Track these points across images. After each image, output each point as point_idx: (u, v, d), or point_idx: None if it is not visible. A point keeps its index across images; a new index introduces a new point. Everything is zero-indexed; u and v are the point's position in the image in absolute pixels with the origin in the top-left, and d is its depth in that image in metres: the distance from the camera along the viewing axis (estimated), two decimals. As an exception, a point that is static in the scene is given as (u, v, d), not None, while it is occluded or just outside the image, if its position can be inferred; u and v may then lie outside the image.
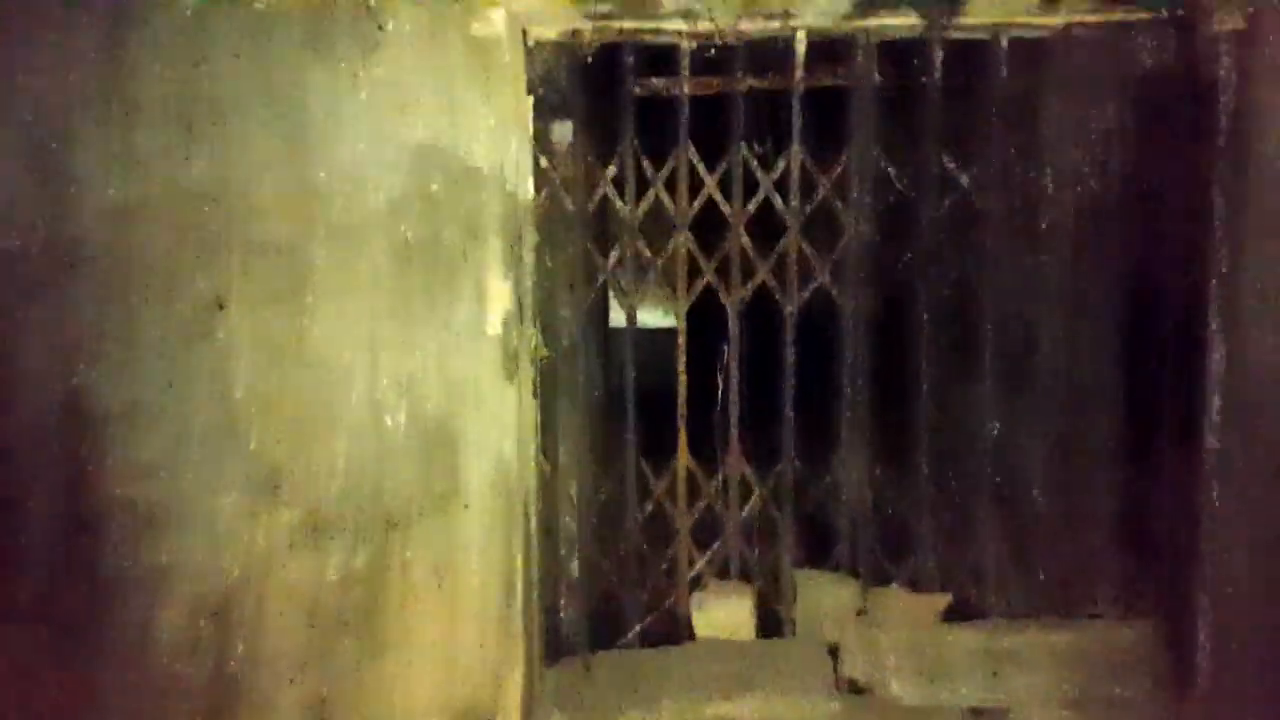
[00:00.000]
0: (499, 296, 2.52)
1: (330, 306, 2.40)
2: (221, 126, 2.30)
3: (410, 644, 2.45)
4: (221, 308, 2.32)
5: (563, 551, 2.79)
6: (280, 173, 2.34)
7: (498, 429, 2.56)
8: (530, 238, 2.63)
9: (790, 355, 2.76)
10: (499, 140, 2.49)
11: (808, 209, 2.74)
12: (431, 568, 2.49)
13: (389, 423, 2.47)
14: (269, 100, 2.33)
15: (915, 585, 2.78)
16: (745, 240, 2.73)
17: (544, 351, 2.78)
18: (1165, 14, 2.53)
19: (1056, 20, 2.56)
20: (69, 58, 2.23)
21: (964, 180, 2.70)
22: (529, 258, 2.63)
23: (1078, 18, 2.55)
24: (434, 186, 2.43)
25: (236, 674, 2.35)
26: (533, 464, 2.68)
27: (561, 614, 2.77)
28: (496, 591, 2.58)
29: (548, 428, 2.78)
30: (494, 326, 2.52)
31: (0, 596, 2.24)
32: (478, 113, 2.44)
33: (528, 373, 2.64)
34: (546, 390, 2.76)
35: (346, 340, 2.41)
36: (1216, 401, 2.51)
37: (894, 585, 2.78)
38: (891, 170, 2.70)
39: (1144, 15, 2.53)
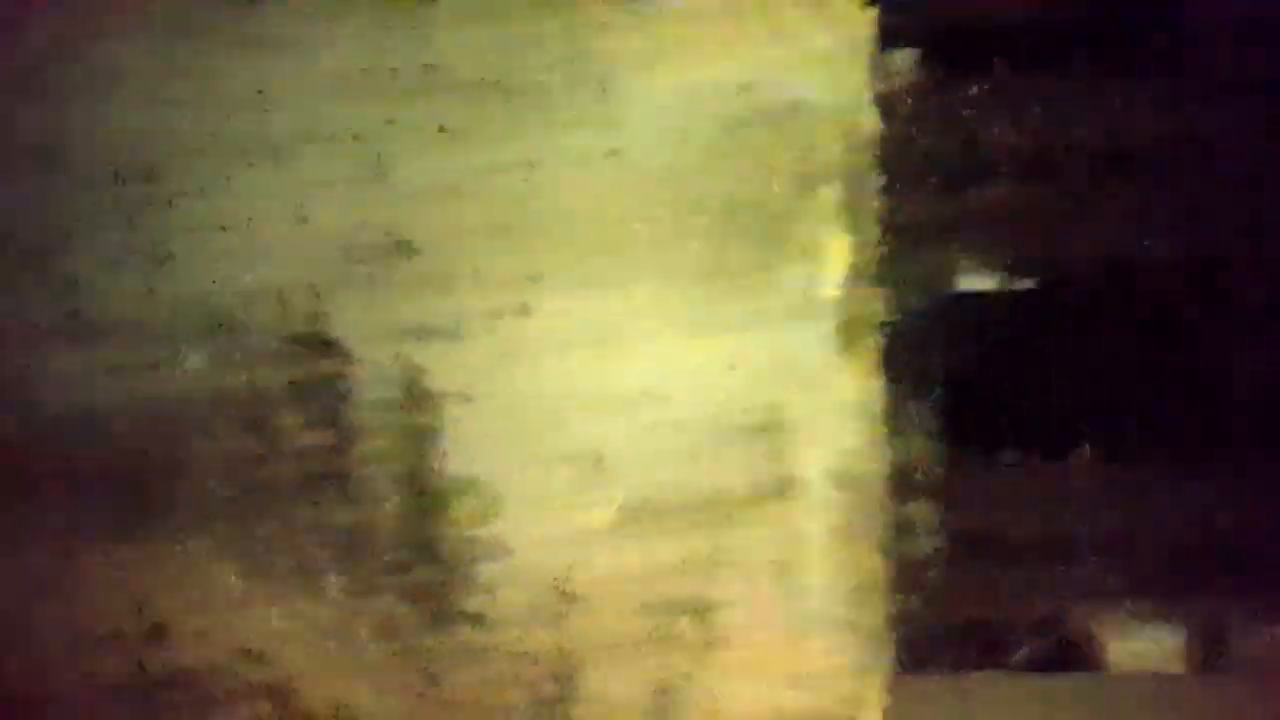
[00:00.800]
0: (835, 255, 2.17)
1: (641, 277, 2.20)
2: (535, 96, 2.17)
3: (749, 642, 2.22)
4: (534, 283, 2.21)
5: (925, 552, 2.39)
6: (581, 136, 2.16)
7: (837, 409, 2.22)
8: (872, 182, 2.23)
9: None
10: (834, 68, 2.11)
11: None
12: (769, 562, 2.24)
13: (712, 404, 2.24)
14: (568, 60, 2.16)
15: None
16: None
17: (887, 319, 2.38)
18: None
19: None
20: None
21: None
22: (871, 206, 2.23)
23: None
24: (755, 129, 2.12)
25: (574, 649, 2.28)
26: (883, 449, 2.30)
27: (924, 624, 2.39)
28: (845, 591, 2.27)
29: (896, 408, 2.39)
30: (829, 290, 2.17)
31: (356, 576, 2.33)
32: (808, 36, 2.08)
33: (871, 344, 2.26)
34: (893, 365, 2.37)
35: (660, 318, 2.21)
36: None
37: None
38: None
39: None
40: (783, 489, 2.24)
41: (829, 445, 2.18)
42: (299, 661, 2.16)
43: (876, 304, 2.25)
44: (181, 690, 2.19)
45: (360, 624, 2.24)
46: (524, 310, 2.11)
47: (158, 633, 2.18)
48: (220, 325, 2.06)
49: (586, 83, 2.11)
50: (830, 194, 2.12)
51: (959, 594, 2.39)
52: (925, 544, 2.37)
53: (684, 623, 2.21)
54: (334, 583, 2.19)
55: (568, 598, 2.21)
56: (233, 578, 2.19)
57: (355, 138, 2.12)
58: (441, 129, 2.12)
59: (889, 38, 2.24)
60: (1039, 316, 2.28)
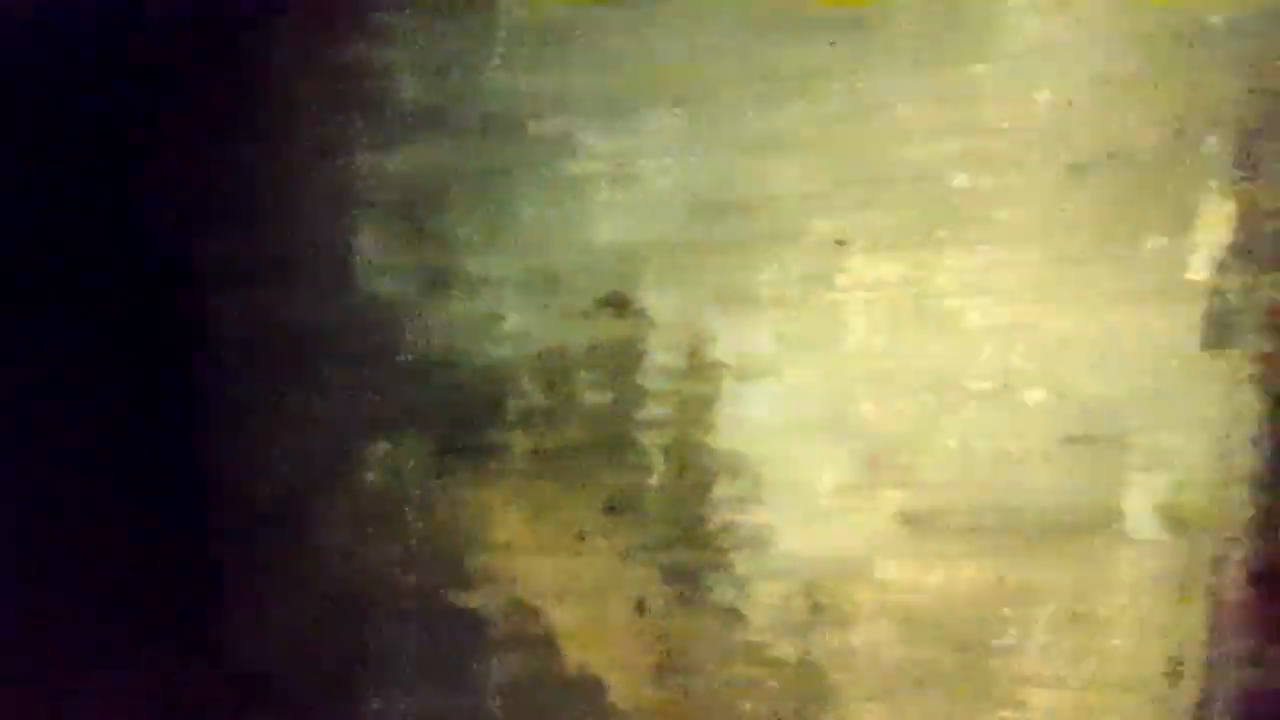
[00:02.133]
0: (1213, 224, 1.67)
1: (964, 249, 1.87)
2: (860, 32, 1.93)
3: (1025, 701, 1.81)
4: (841, 245, 1.97)
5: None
6: (919, 76, 1.87)
7: (1189, 425, 1.72)
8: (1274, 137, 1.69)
9: None
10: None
11: None
12: (1064, 608, 1.81)
13: (1027, 404, 1.85)
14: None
15: None
16: None
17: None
18: None
19: None
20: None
21: None
22: (1276, 165, 1.69)
23: None
24: (1125, 64, 1.69)
25: (819, 668, 2.03)
26: (1242, 489, 1.75)
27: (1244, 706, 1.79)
28: (1157, 657, 1.77)
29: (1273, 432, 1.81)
30: (1198, 271, 1.68)
31: (617, 544, 2.27)
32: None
33: (1252, 345, 1.72)
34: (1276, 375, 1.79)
35: (981, 291, 1.87)
36: None
37: None
38: None
39: None
40: (1101, 521, 1.78)
41: (1171, 468, 1.69)
42: (564, 620, 2.16)
43: (1264, 292, 1.70)
44: (466, 632, 2.30)
45: (616, 595, 2.18)
46: (831, 277, 1.89)
47: (451, 569, 2.31)
48: (544, 284, 2.11)
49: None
50: (1216, 143, 1.63)
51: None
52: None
53: (949, 662, 1.86)
54: (600, 547, 2.15)
55: (819, 609, 1.96)
56: (518, 528, 2.25)
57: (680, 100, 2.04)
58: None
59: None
60: None
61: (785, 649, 1.96)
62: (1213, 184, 1.61)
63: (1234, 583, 1.75)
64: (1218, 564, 1.74)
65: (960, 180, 1.77)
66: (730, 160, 1.90)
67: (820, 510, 1.93)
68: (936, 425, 1.86)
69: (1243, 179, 1.62)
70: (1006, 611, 1.82)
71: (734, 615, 2.01)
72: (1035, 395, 1.79)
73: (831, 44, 1.83)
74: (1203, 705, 1.74)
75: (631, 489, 2.09)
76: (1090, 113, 1.68)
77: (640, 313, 2.06)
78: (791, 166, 1.87)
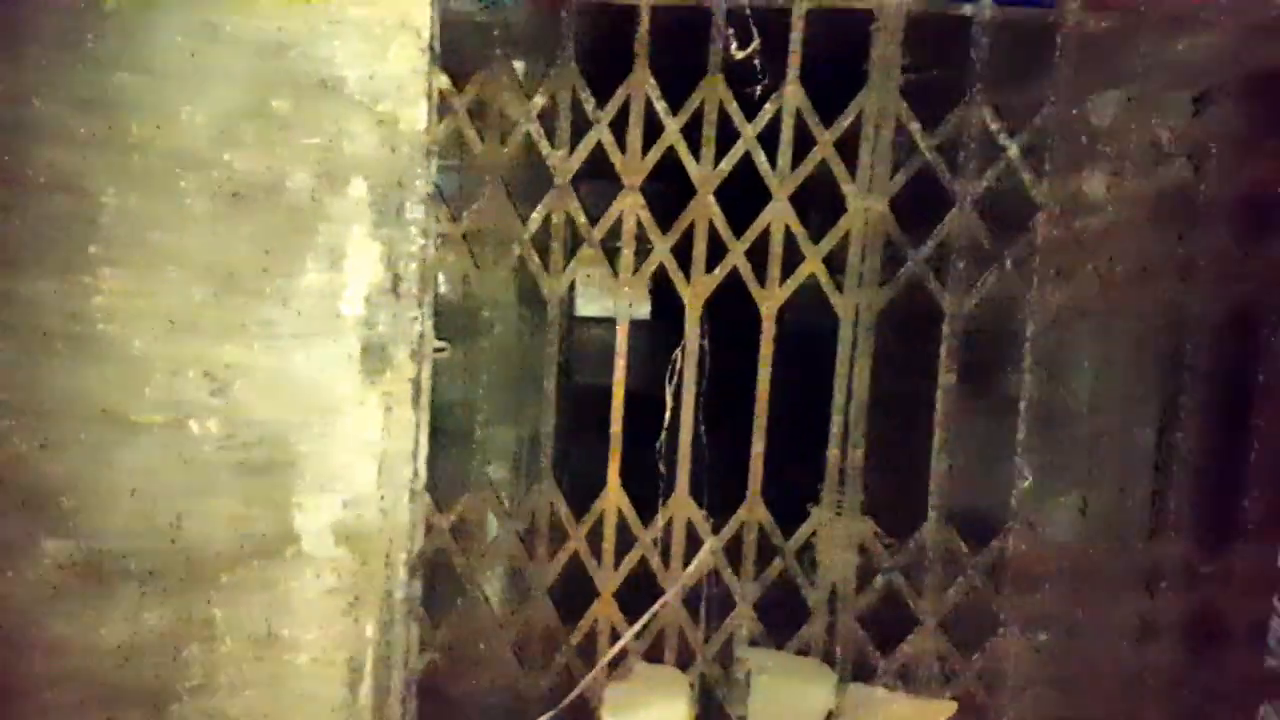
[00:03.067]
0: (363, 264, 1.81)
1: (121, 270, 1.69)
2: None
3: (203, 741, 1.76)
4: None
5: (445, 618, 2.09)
6: (63, 78, 1.62)
7: (353, 449, 1.86)
8: (421, 185, 1.91)
9: (765, 368, 2.05)
10: (374, 44, 1.77)
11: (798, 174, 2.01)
12: (249, 636, 1.81)
13: (197, 433, 1.77)
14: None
15: (909, 682, 2.09)
16: (715, 210, 2.01)
17: (436, 344, 2.06)
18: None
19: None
20: None
21: (1012, 150, 1.98)
22: (417, 212, 1.91)
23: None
24: (276, 103, 1.71)
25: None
26: (404, 499, 1.97)
27: (426, 701, 2.08)
28: (339, 671, 1.90)
29: (443, 447, 2.07)
30: (353, 305, 1.81)
31: None
32: (342, 3, 1.72)
33: (405, 372, 1.93)
34: (444, 396, 2.05)
35: (140, 317, 1.72)
36: None
37: (881, 682, 2.09)
38: (916, 129, 1.98)
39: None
40: (280, 545, 1.82)
41: (339, 490, 1.81)
42: None
43: (421, 323, 1.93)
44: None
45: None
46: None
47: None
48: None
49: None
50: (362, 191, 1.77)
51: (468, 667, 2.09)
52: (457, 611, 2.06)
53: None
54: None
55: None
56: None
57: None
58: None
59: (461, 26, 1.93)
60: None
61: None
62: (361, 225, 1.75)
63: (405, 585, 1.96)
64: (389, 568, 1.93)
65: (110, 196, 1.60)
66: None
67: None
68: (98, 461, 1.67)
69: (385, 221, 1.78)
70: (194, 651, 1.75)
71: None
72: (208, 426, 1.73)
73: None
74: (379, 703, 1.92)
75: None
76: (248, 145, 1.67)
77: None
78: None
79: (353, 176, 1.74)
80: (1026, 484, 2.02)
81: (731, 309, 2.12)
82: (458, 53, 1.93)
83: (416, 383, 1.97)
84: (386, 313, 1.84)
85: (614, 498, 2.05)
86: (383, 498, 1.91)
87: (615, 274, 2.00)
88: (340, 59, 1.70)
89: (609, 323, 2.07)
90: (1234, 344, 2.01)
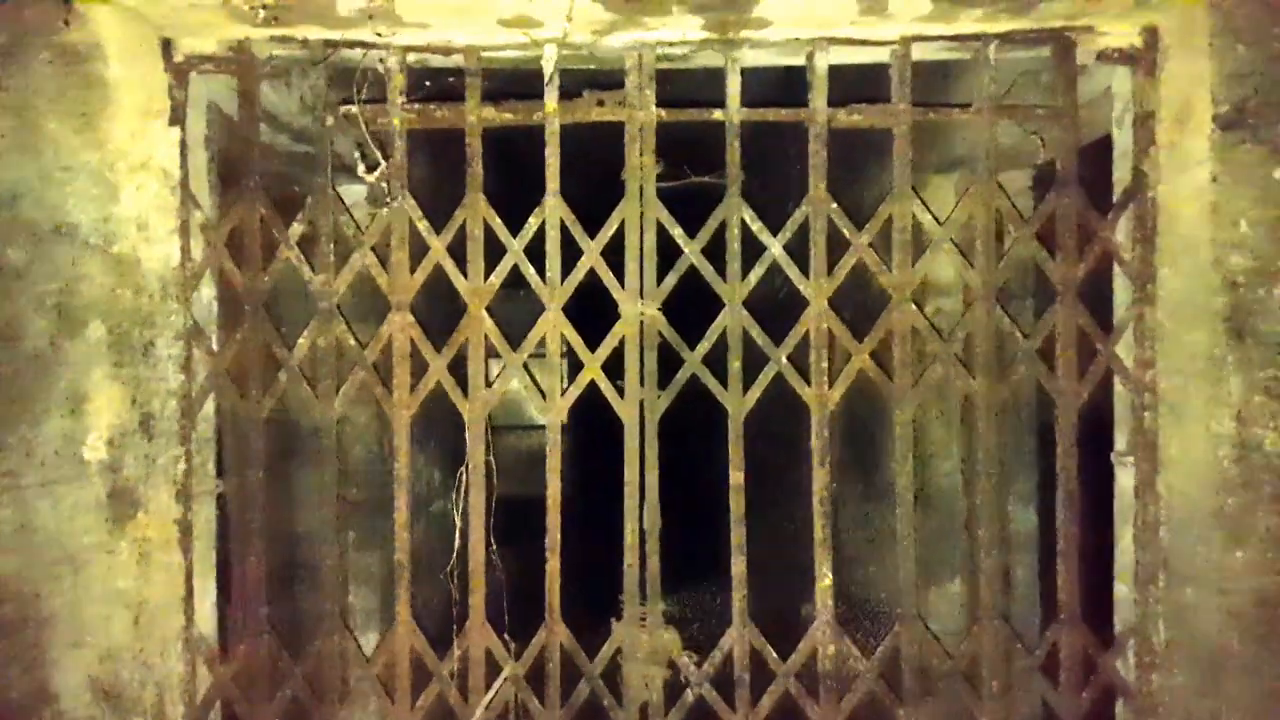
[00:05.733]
0: (105, 406, 1.77)
1: None
2: None
3: None
4: None
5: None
6: None
7: (106, 600, 1.77)
8: (177, 320, 1.89)
9: (554, 478, 2.01)
10: (106, 187, 1.77)
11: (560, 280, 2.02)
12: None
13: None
14: None
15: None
16: (489, 324, 2.01)
17: (213, 484, 2.00)
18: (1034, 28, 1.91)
19: (888, 32, 1.93)
20: None
21: (775, 249, 2.02)
22: (172, 349, 1.88)
23: (916, 29, 1.91)
24: (12, 252, 1.69)
25: None
26: (175, 649, 1.88)
27: None
28: None
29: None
30: (96, 450, 1.76)
31: None
32: (73, 150, 1.73)
33: (166, 514, 1.86)
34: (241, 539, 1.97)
35: None
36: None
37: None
38: (679, 234, 2.01)
39: (1010, 25, 1.90)
40: (36, 705, 1.71)
41: (92, 651, 1.72)
42: None
43: (180, 462, 1.87)
44: None
45: None
46: None
47: None
48: None
49: None
50: (100, 333, 1.75)
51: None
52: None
53: None
54: None
55: None
56: None
57: None
58: None
59: (231, 160, 1.95)
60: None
61: None
62: (99, 370, 1.71)
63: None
64: None
65: None
66: None
67: None
68: None
69: (127, 364, 1.75)
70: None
71: None
72: (-63, 588, 1.64)
73: None
74: None
75: None
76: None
77: None
78: None
79: (91, 319, 1.71)
80: (825, 583, 1.96)
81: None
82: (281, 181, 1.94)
83: (185, 524, 1.90)
84: (135, 454, 1.78)
85: (404, 632, 1.97)
86: (142, 650, 1.81)
87: (390, 395, 1.97)
88: (73, 204, 1.70)
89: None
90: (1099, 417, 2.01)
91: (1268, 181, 1.74)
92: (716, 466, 2.08)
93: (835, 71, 1.93)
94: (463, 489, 1.97)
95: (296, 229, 1.92)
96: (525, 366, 1.98)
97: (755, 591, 1.97)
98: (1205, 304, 1.78)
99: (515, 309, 2.52)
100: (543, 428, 1.97)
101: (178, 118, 1.84)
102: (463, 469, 1.97)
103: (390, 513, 1.97)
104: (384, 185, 1.80)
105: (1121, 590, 1.97)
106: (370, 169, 1.79)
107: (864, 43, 1.91)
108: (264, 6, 1.76)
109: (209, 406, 1.94)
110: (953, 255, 1.98)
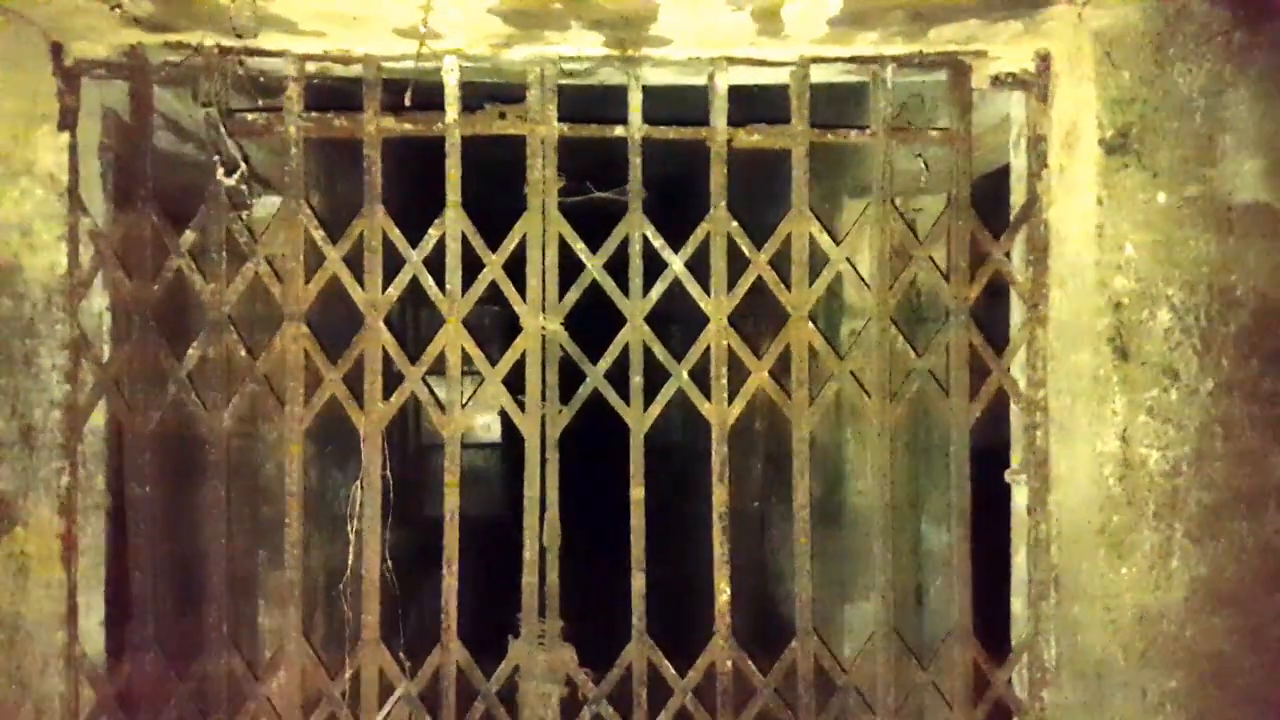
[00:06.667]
0: (-22, 417, 1.72)
1: None
2: None
3: None
4: None
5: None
6: None
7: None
8: (62, 329, 1.85)
9: (452, 495, 1.99)
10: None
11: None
12: None
13: None
14: None
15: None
16: (386, 336, 1.99)
17: (102, 498, 1.96)
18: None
19: (786, 53, 1.95)
20: None
21: (676, 265, 2.03)
22: (57, 358, 1.84)
23: (814, 51, 1.94)
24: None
25: None
26: (55, 668, 1.83)
27: None
28: None
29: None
30: (-35, 461, 1.71)
31: None
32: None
33: (48, 528, 1.82)
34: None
35: None
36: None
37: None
38: (581, 249, 2.02)
39: (909, 48, 1.93)
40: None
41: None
42: None
43: (64, 477, 1.83)
44: None
45: None
46: None
47: None
48: None
49: None
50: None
51: None
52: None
53: None
54: None
55: None
56: None
57: None
58: None
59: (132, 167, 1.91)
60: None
61: None
62: (-28, 378, 1.67)
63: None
64: None
65: None
66: None
67: None
68: None
69: (5, 374, 1.71)
70: None
71: None
72: None
73: None
74: None
75: None
76: None
77: None
78: None
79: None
80: (723, 599, 1.96)
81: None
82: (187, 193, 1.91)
83: (69, 539, 1.85)
84: (14, 467, 1.74)
85: (295, 650, 1.94)
86: (18, 668, 1.76)
87: (282, 405, 1.94)
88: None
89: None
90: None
91: (1150, 206, 1.77)
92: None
93: (751, 95, 1.95)
94: (358, 504, 1.95)
95: (189, 237, 1.89)
96: (425, 381, 1.96)
97: (668, 609, 1.96)
98: (1091, 325, 1.81)
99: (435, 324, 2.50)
100: (486, 445, 1.95)
101: (67, 123, 1.81)
102: (357, 484, 1.94)
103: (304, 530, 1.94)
104: (243, 189, 1.78)
105: (1016, 606, 2.00)
106: (229, 172, 1.76)
107: (763, 63, 1.93)
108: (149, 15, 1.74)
109: (98, 418, 1.90)
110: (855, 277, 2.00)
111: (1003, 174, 2.09)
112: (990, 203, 2.03)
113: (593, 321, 2.21)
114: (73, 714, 1.83)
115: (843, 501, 2.78)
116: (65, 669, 1.82)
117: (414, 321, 4.69)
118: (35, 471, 1.76)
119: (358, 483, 1.94)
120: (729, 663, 1.94)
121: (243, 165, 1.77)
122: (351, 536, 1.95)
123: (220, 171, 1.76)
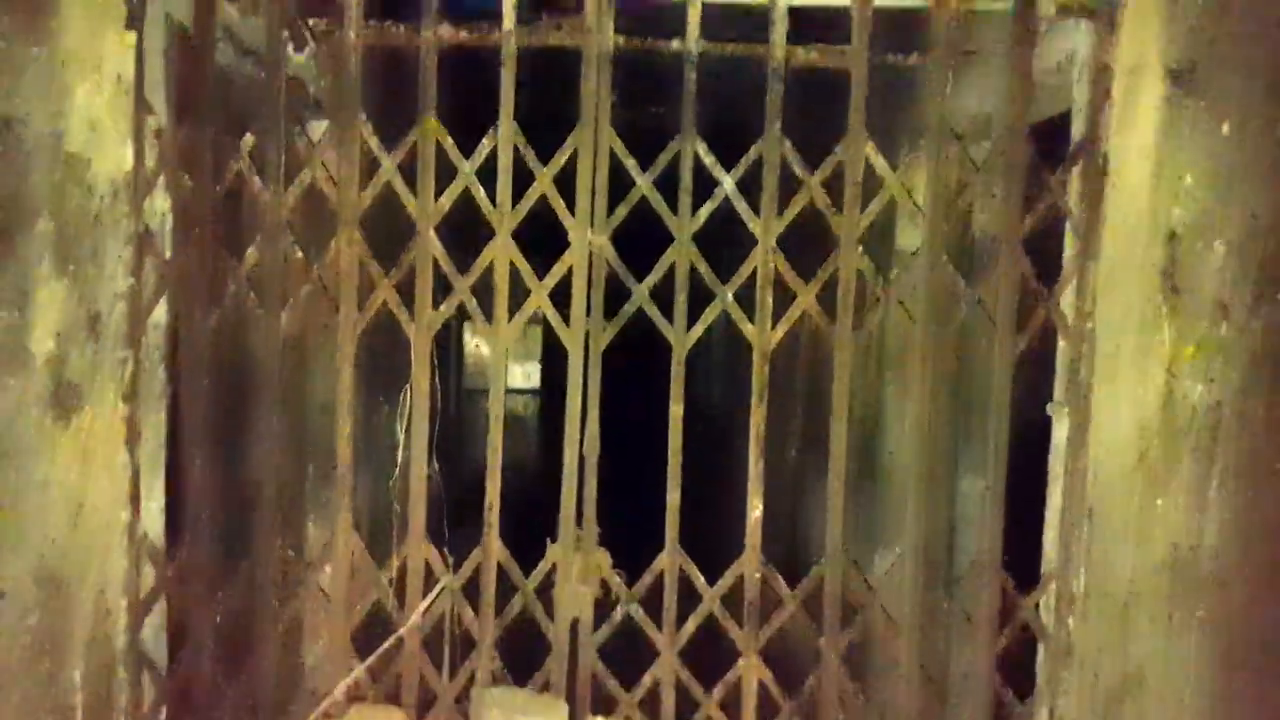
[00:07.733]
0: (51, 301, 1.80)
1: None
2: None
3: None
4: None
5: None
6: None
7: (48, 494, 1.82)
8: (127, 224, 1.92)
9: (497, 404, 2.05)
10: (59, 86, 1.79)
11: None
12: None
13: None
14: None
15: (653, 716, 2.04)
16: (437, 247, 2.03)
17: (162, 389, 2.04)
18: None
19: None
20: None
21: (727, 184, 2.03)
22: (123, 251, 1.91)
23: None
24: (-40, 139, 1.71)
25: None
26: (120, 544, 1.93)
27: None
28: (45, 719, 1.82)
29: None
30: (42, 343, 1.80)
31: None
32: (24, 45, 1.75)
33: (112, 413, 1.91)
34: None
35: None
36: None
37: (623, 715, 2.05)
38: (632, 165, 2.02)
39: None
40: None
41: (35, 544, 1.77)
42: None
43: (129, 365, 1.91)
44: None
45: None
46: None
47: None
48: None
49: None
50: (47, 229, 1.78)
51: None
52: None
53: None
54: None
55: None
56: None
57: None
58: None
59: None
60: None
61: None
62: (48, 264, 1.75)
63: (127, 633, 1.89)
64: (100, 616, 1.86)
65: None
66: None
67: None
68: None
69: (74, 261, 1.78)
70: None
71: None
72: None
73: None
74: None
75: None
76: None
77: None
78: None
79: (40, 215, 1.74)
80: (755, 514, 2.01)
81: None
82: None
83: (132, 425, 1.94)
84: (82, 352, 1.82)
85: (342, 538, 2.02)
86: (85, 544, 1.86)
87: (337, 308, 2.00)
88: (22, 99, 1.72)
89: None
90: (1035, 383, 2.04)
91: (1213, 137, 1.74)
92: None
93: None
94: (407, 410, 2.01)
95: (249, 140, 1.94)
96: (473, 292, 2.01)
97: (701, 532, 2.01)
98: (1144, 257, 1.79)
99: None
100: (522, 391, 2.00)
101: (134, 23, 1.85)
102: (405, 389, 2.00)
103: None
104: (300, 100, 1.81)
105: (1048, 539, 2.02)
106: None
107: (825, -19, 1.90)
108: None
109: (160, 313, 1.97)
110: (915, 217, 1.99)
111: (1056, 125, 2.05)
112: (1044, 149, 2.00)
113: (638, 246, 2.23)
114: (134, 590, 1.94)
115: (879, 452, 2.80)
116: (129, 547, 1.91)
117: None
118: (101, 358, 1.84)
119: (407, 387, 1.99)
120: (757, 575, 1.99)
121: (311, 43, 1.79)
122: (400, 437, 2.02)
123: (290, 47, 1.79)
